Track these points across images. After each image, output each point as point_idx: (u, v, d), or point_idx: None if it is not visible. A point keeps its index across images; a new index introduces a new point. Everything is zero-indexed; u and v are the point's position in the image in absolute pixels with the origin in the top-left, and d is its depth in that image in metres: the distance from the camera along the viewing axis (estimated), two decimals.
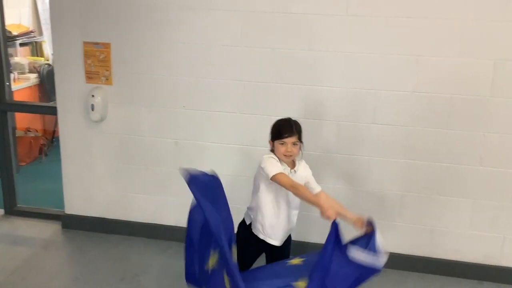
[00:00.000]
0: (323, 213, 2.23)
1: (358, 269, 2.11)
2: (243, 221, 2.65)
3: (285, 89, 3.31)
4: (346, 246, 2.18)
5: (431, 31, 3.06)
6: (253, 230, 2.56)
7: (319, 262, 2.17)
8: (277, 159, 2.48)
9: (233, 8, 3.24)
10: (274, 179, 2.40)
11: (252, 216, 2.57)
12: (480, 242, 3.34)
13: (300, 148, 2.53)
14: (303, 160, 2.61)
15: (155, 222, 3.77)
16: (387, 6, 3.07)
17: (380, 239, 2.13)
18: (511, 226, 3.28)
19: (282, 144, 2.46)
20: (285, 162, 2.50)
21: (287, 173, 2.47)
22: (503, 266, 3.35)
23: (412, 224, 3.40)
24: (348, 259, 2.12)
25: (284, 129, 2.48)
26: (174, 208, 3.71)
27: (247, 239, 2.60)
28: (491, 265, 3.36)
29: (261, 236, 2.55)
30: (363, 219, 2.28)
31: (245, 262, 2.63)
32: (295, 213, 2.61)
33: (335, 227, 2.19)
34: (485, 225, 3.30)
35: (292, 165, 2.55)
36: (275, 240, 2.56)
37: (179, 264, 3.45)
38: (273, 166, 2.43)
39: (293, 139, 2.47)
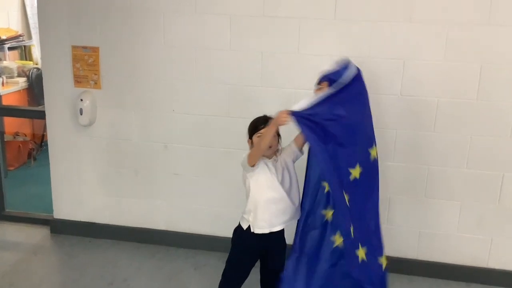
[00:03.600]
0: (278, 123, 2.33)
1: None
2: (238, 226, 2.65)
3: (274, 93, 3.32)
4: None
5: (418, 35, 3.08)
6: (256, 231, 2.55)
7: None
8: None
9: (221, 12, 3.26)
10: (251, 160, 2.45)
11: (251, 219, 2.56)
12: (468, 244, 3.36)
13: (278, 142, 2.56)
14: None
15: (145, 226, 3.76)
16: (375, 11, 3.09)
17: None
18: (498, 228, 3.31)
19: (260, 136, 2.49)
20: (265, 156, 2.52)
21: (269, 165, 2.51)
22: (491, 268, 3.38)
23: (400, 226, 3.41)
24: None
25: (259, 122, 2.54)
26: (164, 212, 3.70)
27: (245, 242, 2.62)
28: (479, 267, 3.38)
29: (266, 231, 2.54)
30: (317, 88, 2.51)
31: (241, 268, 2.66)
32: (295, 191, 2.59)
33: (295, 117, 2.29)
34: (472, 227, 3.33)
35: (272, 156, 2.57)
36: (280, 225, 2.57)
37: (168, 268, 3.47)
38: (245, 156, 2.50)
39: None
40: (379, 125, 3.22)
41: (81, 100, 3.50)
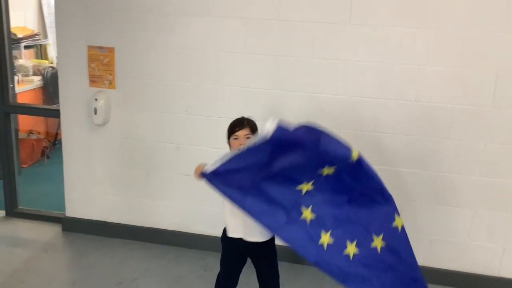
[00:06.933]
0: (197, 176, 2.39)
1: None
2: (224, 228, 2.68)
3: (287, 96, 3.32)
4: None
5: (433, 41, 3.07)
6: (232, 235, 2.58)
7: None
8: None
9: (236, 15, 3.27)
10: None
11: (226, 222, 2.61)
12: (479, 253, 3.34)
13: None
14: None
15: (155, 227, 3.78)
16: (390, 16, 3.09)
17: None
18: (510, 237, 3.28)
19: (236, 138, 2.52)
20: None
21: None
22: (502, 277, 3.35)
23: (411, 233, 3.34)
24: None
25: (236, 124, 2.56)
26: (174, 213, 3.72)
27: (226, 244, 2.66)
28: (490, 276, 3.36)
29: (235, 235, 2.57)
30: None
31: (227, 268, 2.69)
32: None
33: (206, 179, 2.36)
34: (484, 236, 3.30)
35: None
36: (254, 236, 2.54)
37: (178, 269, 3.48)
38: None
39: (244, 131, 2.53)
40: (392, 130, 3.24)
41: (96, 99, 3.53)
